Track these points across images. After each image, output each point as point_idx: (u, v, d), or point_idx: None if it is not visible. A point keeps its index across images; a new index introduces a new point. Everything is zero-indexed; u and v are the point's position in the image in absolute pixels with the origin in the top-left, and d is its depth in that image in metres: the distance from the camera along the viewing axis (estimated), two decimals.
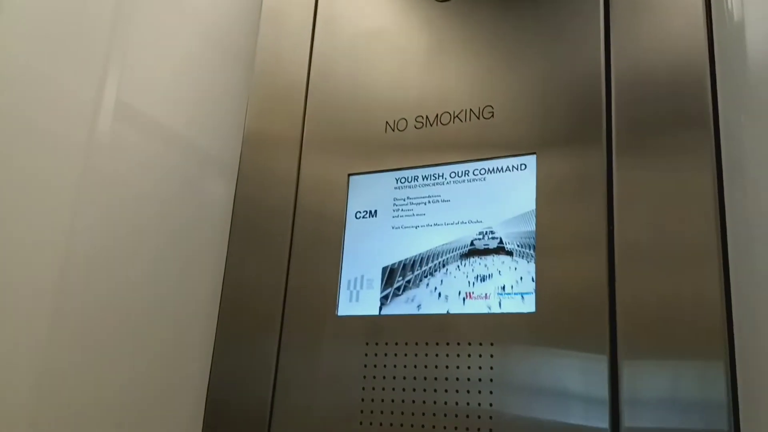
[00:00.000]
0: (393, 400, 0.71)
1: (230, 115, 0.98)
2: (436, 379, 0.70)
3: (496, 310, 0.70)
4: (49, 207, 0.76)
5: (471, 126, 0.77)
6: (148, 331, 0.84)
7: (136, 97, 0.87)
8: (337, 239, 0.80)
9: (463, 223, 0.75)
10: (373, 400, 0.72)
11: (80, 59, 0.81)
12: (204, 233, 0.93)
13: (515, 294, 0.70)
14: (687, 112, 0.68)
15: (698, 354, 0.62)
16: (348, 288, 0.78)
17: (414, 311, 0.73)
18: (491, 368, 0.68)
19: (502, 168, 0.74)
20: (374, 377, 0.73)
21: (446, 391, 0.69)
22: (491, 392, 0.67)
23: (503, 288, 0.70)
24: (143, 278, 0.85)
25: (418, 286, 0.75)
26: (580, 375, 0.65)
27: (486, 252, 0.73)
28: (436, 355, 0.71)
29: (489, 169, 0.75)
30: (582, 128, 0.72)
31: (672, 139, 0.68)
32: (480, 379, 0.68)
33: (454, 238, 0.75)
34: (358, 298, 0.77)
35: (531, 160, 0.73)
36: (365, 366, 0.73)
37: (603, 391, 0.64)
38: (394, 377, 0.72)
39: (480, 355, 0.69)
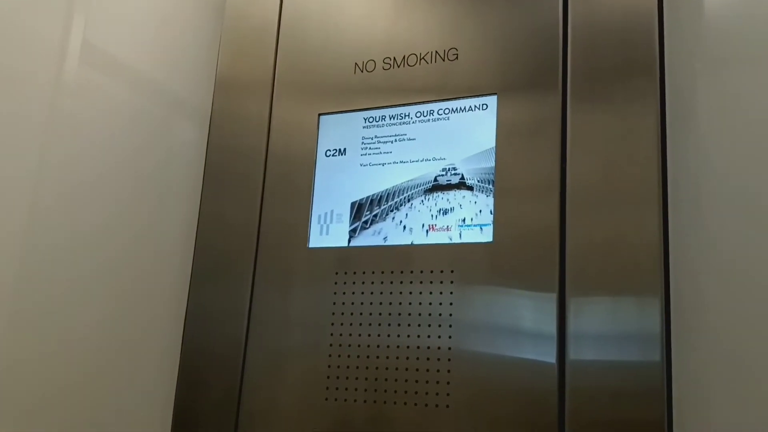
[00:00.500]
0: (360, 324, 0.76)
1: (199, 59, 0.98)
2: (401, 304, 0.75)
3: (456, 240, 0.75)
4: (16, 148, 0.75)
5: (436, 67, 0.80)
6: (120, 271, 0.86)
7: (103, 39, 0.87)
8: (308, 177, 0.84)
9: (427, 160, 0.79)
10: (341, 334, 0.77)
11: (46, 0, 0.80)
12: (175, 176, 0.95)
13: (474, 225, 0.75)
14: (636, 61, 0.72)
15: (636, 291, 0.67)
16: (318, 222, 0.82)
17: (381, 243, 0.78)
18: (451, 293, 0.73)
19: (464, 108, 0.78)
20: (343, 303, 0.78)
21: (410, 314, 0.74)
22: (451, 314, 0.73)
23: (463, 220, 0.75)
24: (114, 220, 0.86)
25: (384, 219, 0.79)
26: (531, 312, 0.70)
27: (448, 187, 0.77)
28: (401, 282, 0.76)
29: (452, 109, 0.79)
30: (540, 73, 0.76)
31: (621, 86, 0.72)
32: (441, 303, 0.73)
33: (418, 174, 0.79)
34: (328, 231, 0.81)
35: (492, 101, 0.77)
36: (335, 293, 0.78)
37: (551, 327, 0.69)
38: (362, 303, 0.77)
39: (441, 282, 0.74)
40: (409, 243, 0.77)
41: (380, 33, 0.84)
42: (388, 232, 0.78)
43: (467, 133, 0.78)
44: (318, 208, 0.82)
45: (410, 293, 0.75)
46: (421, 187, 0.79)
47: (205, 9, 1.01)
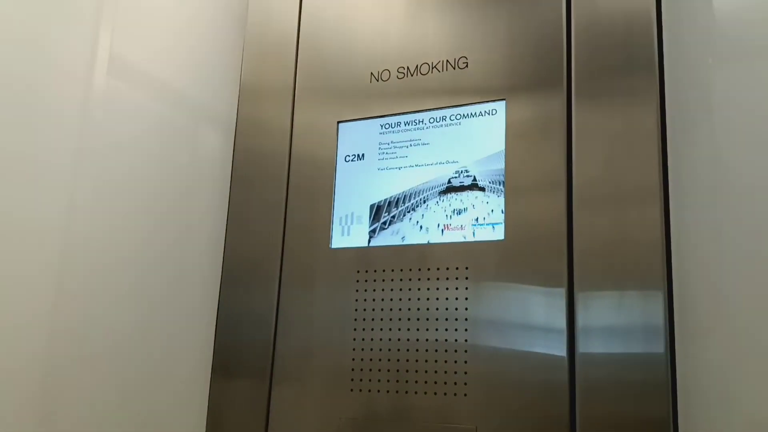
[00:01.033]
0: (382, 319, 0.81)
1: (222, 68, 1.02)
2: (419, 299, 0.80)
3: (470, 238, 0.80)
4: (50, 161, 0.78)
5: (447, 75, 0.85)
6: (154, 276, 0.90)
7: (130, 51, 0.89)
8: (329, 181, 0.89)
9: (441, 163, 0.84)
10: (363, 329, 0.82)
11: (72, 14, 0.82)
12: (202, 182, 0.98)
13: (487, 224, 0.79)
14: (636, 59, 0.75)
15: (641, 285, 0.70)
16: (340, 224, 0.87)
17: (399, 242, 0.83)
18: (466, 288, 0.78)
19: (475, 113, 0.83)
20: (365, 300, 0.83)
21: (428, 309, 0.79)
22: (466, 309, 0.77)
23: (476, 219, 0.80)
24: (146, 227, 0.89)
25: (402, 220, 0.84)
26: (541, 307, 0.74)
27: (461, 188, 0.82)
28: (419, 279, 0.80)
29: (464, 115, 0.84)
30: (546, 75, 0.80)
31: (623, 85, 0.75)
32: (456, 299, 0.78)
33: (433, 177, 0.84)
34: (349, 232, 0.86)
35: (501, 106, 0.82)
36: (357, 291, 0.83)
37: (561, 321, 0.73)
38: (383, 299, 0.82)
39: (456, 278, 0.79)
40: (426, 242, 0.82)
41: (394, 43, 0.89)
42: (406, 232, 0.83)
43: (478, 137, 0.82)
44: (339, 211, 0.87)
45: (428, 289, 0.80)
46: (436, 189, 0.83)
47: (226, 20, 1.04)
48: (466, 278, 0.78)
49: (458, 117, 0.84)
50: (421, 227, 0.83)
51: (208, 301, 0.94)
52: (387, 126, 0.88)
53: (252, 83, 0.97)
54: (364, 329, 0.82)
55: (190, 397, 0.92)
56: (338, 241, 0.86)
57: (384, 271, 0.83)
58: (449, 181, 0.83)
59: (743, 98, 0.73)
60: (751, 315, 0.69)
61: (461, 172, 0.82)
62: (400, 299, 0.81)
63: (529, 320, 0.74)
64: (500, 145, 0.80)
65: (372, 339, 0.81)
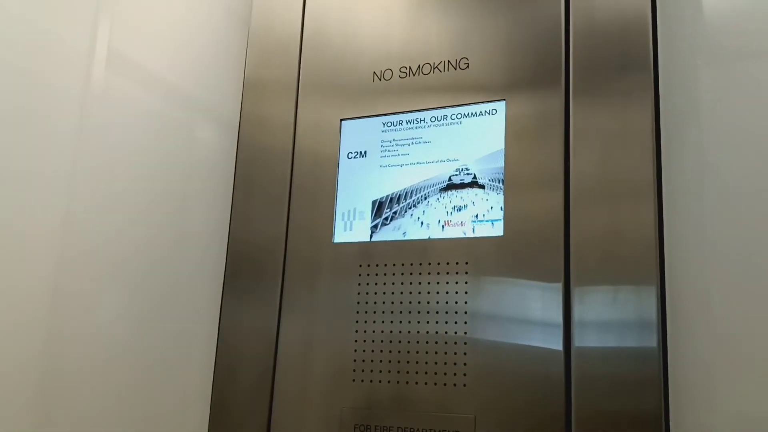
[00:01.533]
0: (383, 312, 0.83)
1: (223, 64, 1.02)
2: (420, 293, 0.82)
3: (470, 234, 0.82)
4: (48, 157, 0.77)
5: (449, 76, 0.87)
6: (156, 271, 0.90)
7: (128, 46, 0.88)
8: (332, 177, 0.91)
9: (442, 161, 0.86)
10: (366, 322, 0.84)
11: (71, 8, 0.81)
12: (203, 178, 0.99)
13: (486, 221, 0.82)
14: (631, 59, 0.78)
15: (634, 281, 0.72)
16: (342, 219, 0.89)
17: (400, 237, 0.85)
18: (466, 283, 0.80)
19: (475, 113, 0.85)
20: (367, 294, 0.85)
21: (428, 303, 0.81)
22: (466, 302, 0.80)
23: (476, 216, 0.82)
24: (146, 222, 0.89)
25: (403, 216, 0.86)
26: (539, 302, 0.76)
27: (462, 186, 0.84)
28: (420, 273, 0.83)
29: (464, 114, 0.86)
30: (544, 76, 0.82)
31: (618, 83, 0.78)
32: (456, 293, 0.80)
33: (434, 174, 0.86)
34: (352, 227, 0.88)
35: (501, 106, 0.84)
36: (359, 285, 0.85)
37: (558, 315, 0.75)
38: (384, 293, 0.84)
39: (456, 273, 0.81)
40: (427, 237, 0.84)
41: (396, 44, 0.91)
42: (407, 228, 0.85)
43: (478, 135, 0.84)
44: (342, 206, 0.90)
45: (428, 283, 0.82)
46: (437, 186, 0.86)
47: (227, 16, 1.05)
48: (466, 273, 0.80)
49: (459, 116, 0.86)
50: (422, 223, 0.85)
51: (212, 296, 0.96)
52: (389, 124, 0.90)
53: (256, 80, 0.99)
54: (366, 322, 0.84)
55: (194, 393, 0.93)
56: (341, 236, 0.88)
57: (386, 265, 0.85)
58: (450, 179, 0.85)
59: (729, 99, 0.75)
60: (737, 311, 0.71)
61: (462, 169, 0.85)
62: (401, 293, 0.83)
63: (527, 314, 0.77)
64: (500, 144, 0.83)
65: (374, 331, 0.83)
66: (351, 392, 0.83)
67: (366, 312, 0.84)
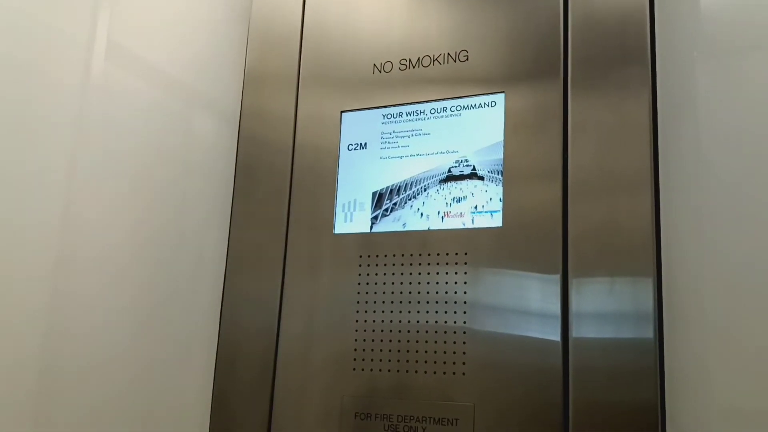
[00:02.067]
0: (384, 302, 0.84)
1: (223, 56, 1.02)
2: (419, 284, 0.83)
3: (469, 225, 0.83)
4: (47, 148, 0.77)
5: (448, 68, 0.88)
6: (158, 263, 0.91)
7: (128, 38, 0.88)
8: (332, 169, 0.91)
9: (441, 153, 0.87)
10: (366, 311, 0.85)
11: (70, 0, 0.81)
12: (203, 171, 0.99)
13: (486, 212, 0.82)
14: (628, 51, 0.78)
15: (631, 272, 0.73)
16: (343, 210, 0.90)
17: (400, 228, 0.86)
18: (465, 273, 0.81)
19: (475, 105, 0.86)
20: (367, 284, 0.86)
21: (428, 293, 0.82)
22: (465, 292, 0.81)
23: (475, 207, 0.83)
24: (145, 215, 0.89)
25: (403, 207, 0.87)
26: (537, 293, 0.77)
27: (461, 177, 0.85)
28: (419, 264, 0.84)
29: (464, 106, 0.87)
30: (543, 69, 0.82)
31: (616, 76, 0.78)
32: (456, 283, 0.81)
33: (433, 166, 0.87)
34: (352, 218, 0.89)
35: (500, 98, 0.85)
36: (359, 275, 0.86)
37: (556, 306, 0.76)
38: (384, 283, 0.85)
39: (456, 263, 0.82)
40: (426, 228, 0.85)
41: (396, 36, 0.92)
42: (407, 219, 0.86)
43: (478, 127, 0.85)
44: (342, 198, 0.90)
45: (428, 274, 0.83)
46: (436, 178, 0.86)
47: (227, 8, 1.05)
48: (465, 263, 0.81)
49: (458, 108, 0.87)
50: (421, 214, 0.86)
51: (213, 288, 0.96)
52: (389, 116, 0.90)
53: (256, 73, 0.99)
54: (366, 312, 0.85)
55: (195, 382, 0.94)
56: (341, 227, 0.89)
57: (386, 256, 0.86)
58: (449, 170, 0.86)
59: (725, 92, 0.76)
60: (732, 304, 0.72)
61: (461, 161, 0.85)
62: (402, 283, 0.84)
63: (525, 305, 0.78)
64: (499, 136, 0.84)
65: (374, 321, 0.84)
66: (351, 381, 0.84)
67: (366, 302, 0.85)
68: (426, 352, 0.81)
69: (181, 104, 0.98)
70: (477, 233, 0.82)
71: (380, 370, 0.83)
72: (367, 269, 0.86)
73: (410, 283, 0.83)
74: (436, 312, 0.81)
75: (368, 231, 0.88)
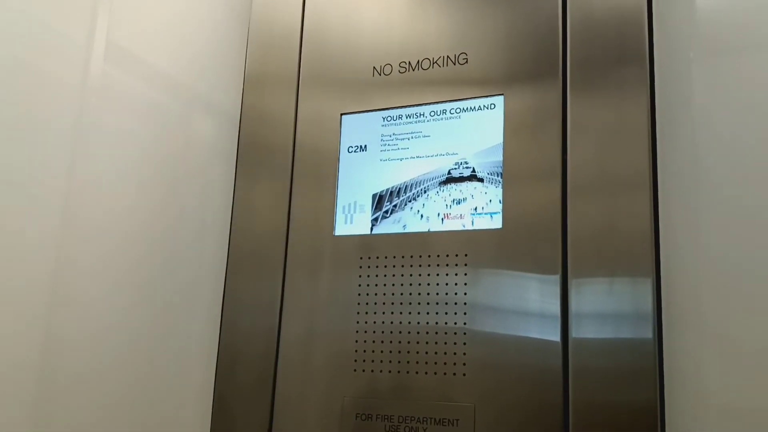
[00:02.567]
0: (384, 303, 0.85)
1: (222, 58, 1.03)
2: (420, 285, 0.83)
3: (469, 227, 0.83)
4: (47, 149, 0.77)
5: (448, 71, 0.88)
6: (157, 266, 0.91)
7: (127, 39, 0.88)
8: (332, 171, 0.92)
9: (441, 155, 0.87)
10: (366, 313, 0.85)
11: (70, 0, 0.81)
12: (203, 172, 0.99)
13: (485, 214, 0.83)
14: (627, 52, 0.79)
15: (630, 273, 0.74)
16: (343, 212, 0.90)
17: (400, 230, 0.87)
18: (465, 275, 0.82)
19: (474, 107, 0.86)
20: (368, 285, 0.86)
21: (428, 294, 0.83)
22: (465, 294, 0.81)
23: (475, 209, 0.84)
24: (145, 220, 0.89)
25: (403, 209, 0.88)
26: (537, 294, 0.77)
27: (461, 179, 0.86)
28: (420, 266, 0.84)
29: (463, 108, 0.87)
30: (542, 71, 0.83)
31: (614, 77, 0.79)
32: (456, 284, 0.82)
33: (433, 168, 0.87)
34: (352, 220, 0.90)
35: (499, 100, 0.85)
36: (359, 277, 0.87)
37: (555, 307, 0.76)
38: (385, 285, 0.85)
39: (456, 265, 0.82)
40: (427, 230, 0.85)
41: (396, 39, 0.92)
42: (407, 221, 0.87)
43: (477, 130, 0.86)
44: (342, 200, 0.91)
45: (428, 275, 0.83)
46: (436, 180, 0.87)
47: (226, 9, 1.06)
48: (465, 265, 0.82)
49: (458, 111, 0.87)
50: (421, 216, 0.86)
51: (214, 290, 0.97)
52: (389, 118, 0.91)
53: (256, 74, 1.00)
54: (366, 313, 0.85)
55: (196, 384, 0.95)
56: (341, 228, 0.90)
57: (386, 257, 0.86)
58: (449, 172, 0.86)
59: (721, 92, 0.76)
60: (729, 304, 0.72)
61: (461, 163, 0.86)
62: (402, 284, 0.84)
63: (525, 306, 0.78)
64: (498, 138, 0.84)
65: (375, 322, 0.85)
66: (352, 382, 0.84)
67: (367, 304, 0.86)
68: (426, 353, 0.81)
69: (180, 105, 0.99)
70: (477, 235, 0.82)
71: (381, 371, 0.83)
72: (368, 271, 0.86)
73: (410, 284, 0.84)
74: (437, 313, 0.82)
75: (368, 233, 0.88)
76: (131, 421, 0.88)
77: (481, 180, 0.84)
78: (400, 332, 0.83)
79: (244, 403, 0.89)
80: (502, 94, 0.85)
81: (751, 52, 0.76)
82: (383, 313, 0.84)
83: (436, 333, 0.81)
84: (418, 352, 0.82)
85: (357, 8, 0.96)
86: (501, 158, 0.83)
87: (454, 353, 0.80)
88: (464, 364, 0.79)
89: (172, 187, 0.96)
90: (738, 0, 0.78)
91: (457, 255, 0.82)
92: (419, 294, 0.83)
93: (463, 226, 0.83)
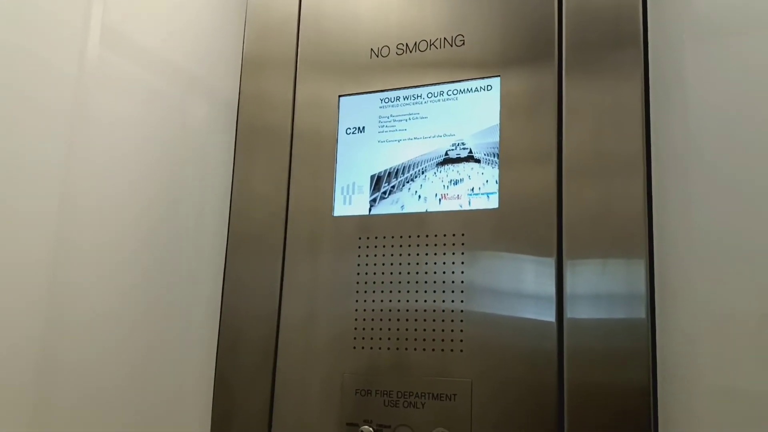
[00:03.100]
0: (383, 283, 0.86)
1: (219, 40, 1.03)
2: (417, 264, 0.85)
3: (466, 207, 0.84)
4: (43, 134, 0.77)
5: (445, 52, 0.89)
6: (156, 249, 0.91)
7: (122, 23, 0.88)
8: (331, 152, 0.93)
9: (438, 136, 0.89)
10: (366, 292, 0.87)
11: None
12: (200, 155, 1.00)
13: (482, 194, 0.84)
14: (621, 34, 0.80)
15: (624, 254, 0.75)
16: (342, 193, 0.92)
17: (398, 211, 0.88)
18: (462, 253, 0.83)
19: (471, 89, 0.87)
20: (366, 265, 0.87)
21: (426, 273, 0.84)
22: (462, 272, 0.82)
23: (472, 189, 0.85)
24: (143, 205, 0.89)
25: (401, 190, 0.89)
26: (532, 274, 0.79)
27: (458, 160, 0.87)
28: (417, 245, 0.85)
29: (460, 90, 0.88)
30: (538, 52, 0.84)
31: (609, 59, 0.80)
32: (453, 263, 0.83)
33: (431, 149, 0.89)
34: (351, 201, 0.91)
35: (496, 82, 0.86)
36: (358, 257, 0.88)
37: (551, 287, 0.78)
38: (383, 264, 0.86)
39: (453, 244, 0.84)
40: (424, 210, 0.87)
41: (393, 21, 0.93)
42: (405, 201, 0.88)
43: (474, 111, 0.87)
44: (341, 181, 0.92)
45: (426, 254, 0.85)
46: (434, 161, 0.88)
47: None
48: (462, 244, 0.83)
49: (455, 92, 0.88)
50: (419, 197, 0.87)
51: (213, 273, 0.98)
52: (387, 100, 0.92)
53: (254, 57, 1.00)
54: (365, 292, 0.87)
55: (197, 368, 0.96)
56: (340, 209, 0.91)
57: (384, 237, 0.87)
58: (446, 153, 0.87)
59: (714, 74, 0.78)
60: (722, 286, 0.74)
61: (458, 144, 0.87)
62: (400, 264, 0.86)
63: (521, 286, 0.79)
64: (495, 119, 0.85)
65: (373, 301, 0.86)
66: (352, 359, 0.86)
67: (366, 283, 0.87)
68: (425, 330, 0.83)
69: (177, 89, 0.99)
70: (474, 215, 0.84)
71: (380, 348, 0.85)
72: (366, 251, 0.88)
73: (408, 264, 0.85)
74: (434, 292, 0.83)
75: (367, 213, 0.90)
76: (130, 405, 0.89)
77: (477, 161, 0.85)
78: (398, 310, 0.85)
79: (245, 381, 0.91)
80: (499, 76, 0.86)
81: (745, 33, 0.77)
82: (382, 292, 0.86)
83: (434, 311, 0.83)
84: (416, 330, 0.83)
85: None
86: (497, 139, 0.84)
87: (452, 330, 0.81)
88: (461, 341, 0.81)
89: (170, 171, 0.97)
90: None
91: (454, 234, 0.84)
92: (417, 273, 0.85)
93: (461, 206, 0.85)
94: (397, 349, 0.84)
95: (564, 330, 0.76)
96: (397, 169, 0.90)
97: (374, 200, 0.90)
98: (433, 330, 0.82)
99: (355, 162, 0.92)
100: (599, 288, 0.75)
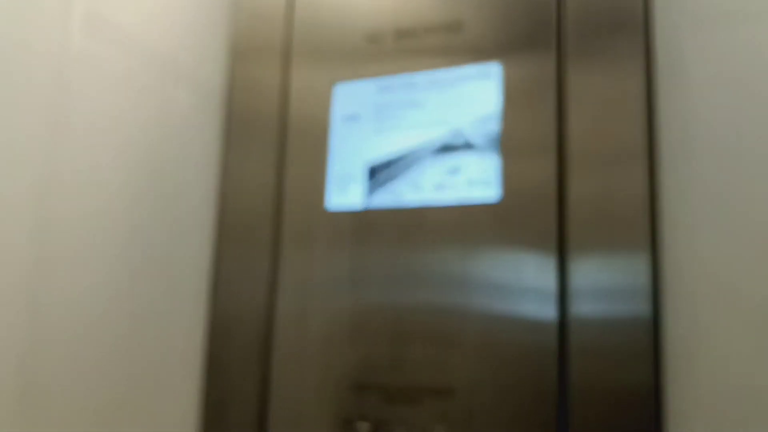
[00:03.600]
0: (378, 276, 0.84)
1: (207, 28, 0.99)
2: (414, 255, 0.83)
3: (464, 197, 0.82)
4: (24, 119, 0.75)
5: (443, 39, 0.87)
6: (142, 239, 0.88)
7: (107, 8, 0.86)
8: (324, 141, 0.90)
9: (436, 124, 0.86)
10: (361, 287, 0.85)
11: None
12: (188, 145, 0.96)
13: (480, 183, 0.82)
14: (623, 20, 0.78)
15: (628, 248, 0.73)
16: (336, 183, 0.89)
17: (395, 201, 0.86)
18: (461, 246, 0.81)
19: (469, 75, 0.85)
20: (361, 258, 0.85)
21: (423, 266, 0.82)
22: (461, 266, 0.80)
23: (470, 179, 0.83)
24: (129, 196, 0.87)
25: (397, 180, 0.86)
26: (533, 267, 0.77)
27: (456, 149, 0.84)
28: (414, 236, 0.83)
29: (458, 77, 0.86)
30: (539, 38, 0.82)
31: (611, 45, 0.78)
32: (451, 255, 0.81)
33: (428, 138, 0.86)
34: (346, 192, 0.88)
35: (495, 68, 0.84)
36: (353, 251, 0.86)
37: (552, 281, 0.76)
38: (379, 257, 0.84)
39: (451, 235, 0.81)
40: (421, 200, 0.84)
41: (390, 6, 0.90)
42: (402, 192, 0.86)
43: (473, 98, 0.84)
44: (335, 171, 0.89)
45: (423, 245, 0.82)
46: (431, 150, 0.86)
47: None
48: (461, 235, 0.81)
49: (453, 79, 0.86)
50: (416, 187, 0.85)
51: (201, 266, 0.95)
52: (383, 87, 0.89)
53: (246, 44, 0.98)
54: (362, 285, 0.84)
55: (187, 365, 0.93)
56: (335, 201, 0.88)
57: (380, 229, 0.85)
58: (444, 142, 0.85)
59: (717, 61, 0.76)
60: (727, 276, 0.72)
61: (456, 132, 0.85)
62: (396, 257, 0.83)
63: (521, 279, 0.78)
64: (494, 107, 0.83)
65: (370, 294, 0.84)
66: (349, 355, 0.83)
67: (362, 275, 0.85)
68: (422, 326, 0.81)
69: (161, 76, 0.96)
70: (473, 208, 0.81)
71: (377, 343, 0.82)
72: (362, 243, 0.85)
73: (405, 255, 0.83)
74: (433, 285, 0.81)
75: (362, 204, 0.87)
76: (118, 390, 0.87)
77: (476, 149, 0.83)
78: (396, 302, 0.82)
79: (238, 380, 0.89)
80: (498, 62, 0.83)
81: (748, 21, 0.76)
82: (378, 284, 0.84)
83: (432, 306, 0.81)
84: (414, 325, 0.81)
85: None
86: (496, 127, 0.82)
87: (450, 326, 0.79)
88: (461, 336, 0.79)
89: (155, 158, 0.93)
90: None
91: (452, 226, 0.82)
92: (414, 265, 0.82)
93: (458, 196, 0.83)
94: (395, 343, 0.82)
95: (565, 324, 0.75)
96: (394, 159, 0.87)
97: (370, 190, 0.87)
98: (431, 326, 0.80)
99: (350, 151, 0.89)
100: (602, 281, 0.74)
